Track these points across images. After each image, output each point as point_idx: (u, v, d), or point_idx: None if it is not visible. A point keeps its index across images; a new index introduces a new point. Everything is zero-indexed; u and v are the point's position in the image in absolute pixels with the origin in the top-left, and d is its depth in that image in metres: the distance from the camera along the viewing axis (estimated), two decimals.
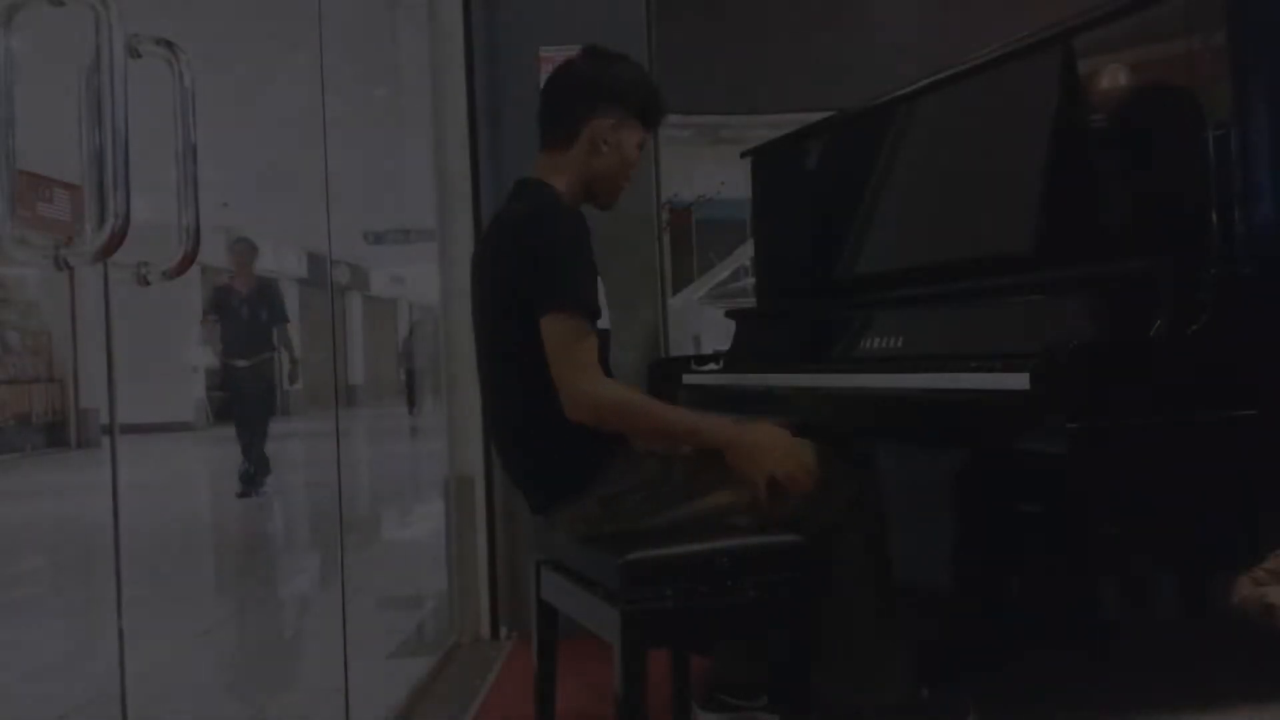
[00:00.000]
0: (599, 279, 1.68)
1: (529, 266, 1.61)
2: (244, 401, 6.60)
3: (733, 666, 1.96)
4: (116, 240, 1.01)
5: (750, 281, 3.39)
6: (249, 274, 6.69)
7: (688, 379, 2.37)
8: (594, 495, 1.64)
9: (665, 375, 2.37)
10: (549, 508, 1.71)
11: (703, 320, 4.63)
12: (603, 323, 1.69)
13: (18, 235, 1.00)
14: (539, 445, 1.69)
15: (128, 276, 1.16)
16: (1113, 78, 1.67)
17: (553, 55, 2.86)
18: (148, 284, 1.18)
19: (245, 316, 6.48)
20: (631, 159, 1.76)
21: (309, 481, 7.87)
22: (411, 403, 16.14)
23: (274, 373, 6.76)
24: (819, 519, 1.66)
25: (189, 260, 1.19)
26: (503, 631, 2.91)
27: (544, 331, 1.58)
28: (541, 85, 1.82)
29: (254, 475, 6.47)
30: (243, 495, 6.39)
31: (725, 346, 2.56)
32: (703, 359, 2.50)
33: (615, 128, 1.72)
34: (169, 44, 1.15)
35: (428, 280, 3.22)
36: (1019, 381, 1.40)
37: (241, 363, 6.47)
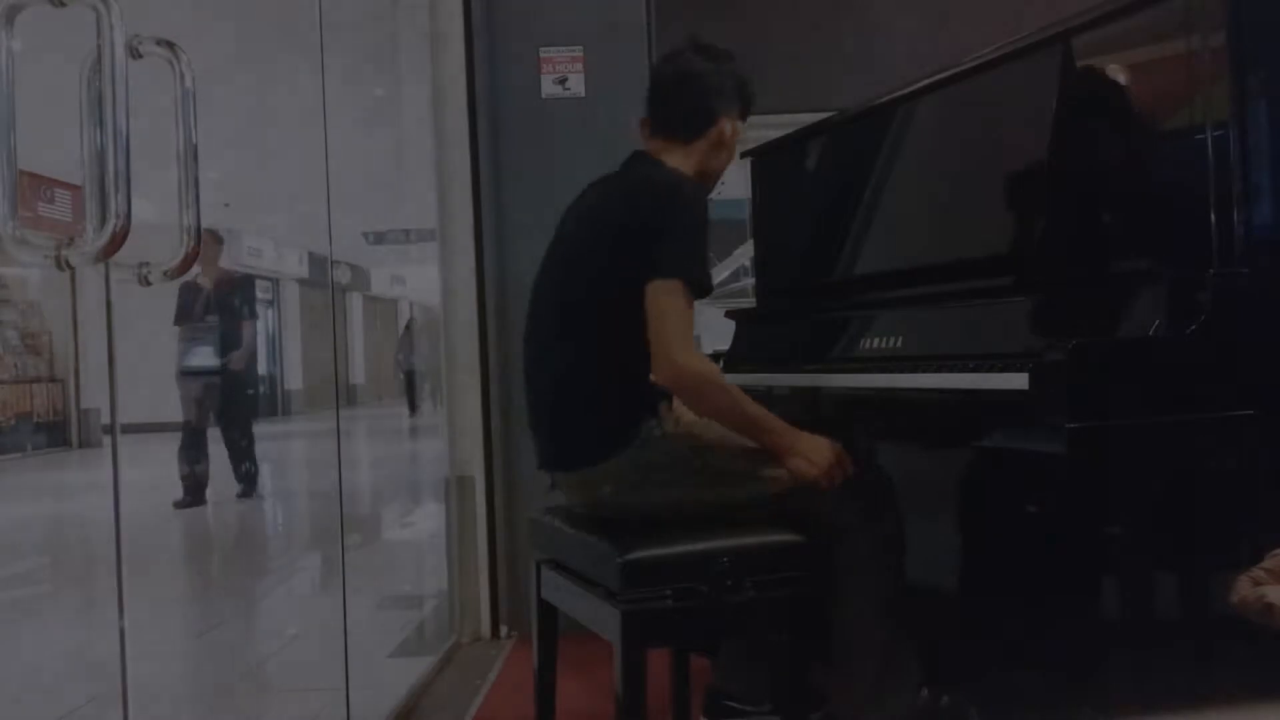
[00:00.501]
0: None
1: (660, 228, 1.63)
2: (223, 403, 6.32)
3: (734, 673, 1.96)
4: (118, 241, 1.01)
5: (750, 281, 3.39)
6: (214, 267, 6.33)
7: None
8: (627, 458, 1.64)
9: None
10: (572, 465, 1.70)
11: (703, 320, 4.64)
12: None
13: (19, 235, 1.00)
14: (585, 399, 1.68)
15: (129, 277, 1.17)
16: (1112, 78, 1.67)
17: (553, 56, 2.87)
18: (149, 284, 1.18)
19: (213, 313, 6.19)
20: (732, 152, 1.85)
21: (309, 481, 7.87)
22: (413, 405, 15.80)
23: (248, 371, 6.56)
24: (838, 521, 1.66)
25: (190, 261, 1.19)
26: (503, 631, 2.91)
27: (653, 292, 1.60)
28: (663, 74, 1.86)
29: (253, 474, 6.40)
30: (243, 496, 6.38)
31: (725, 346, 2.56)
32: None
33: (735, 126, 1.82)
34: (170, 44, 1.15)
35: (428, 280, 3.23)
36: (1018, 381, 1.40)
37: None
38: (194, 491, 6.16)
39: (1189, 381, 1.39)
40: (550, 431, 1.74)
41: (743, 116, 1.84)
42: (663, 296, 1.60)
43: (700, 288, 1.65)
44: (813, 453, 1.65)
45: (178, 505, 6.09)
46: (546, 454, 1.75)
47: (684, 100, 1.80)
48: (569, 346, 1.70)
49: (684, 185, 1.70)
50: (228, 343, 6.28)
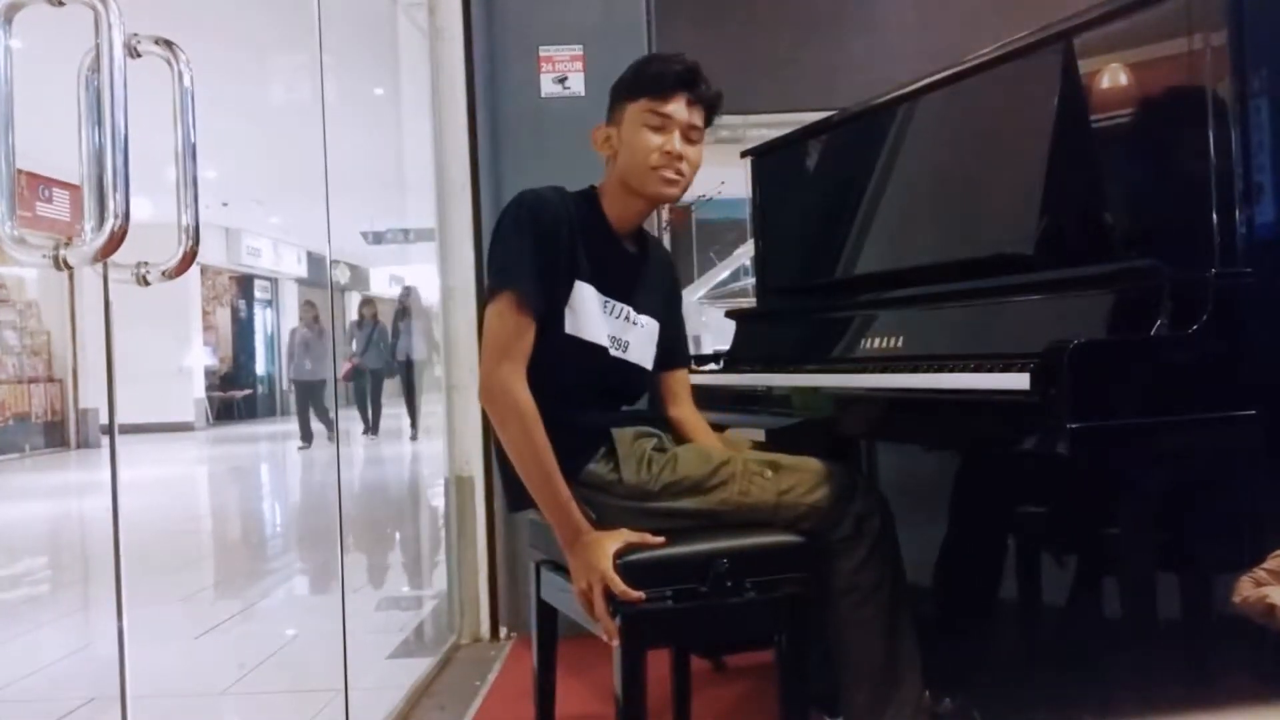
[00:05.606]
0: (576, 277, 1.66)
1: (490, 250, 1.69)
2: None
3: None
4: (116, 240, 1.00)
5: (750, 281, 3.39)
6: None
7: None
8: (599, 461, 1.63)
9: None
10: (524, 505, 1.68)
11: (703, 320, 4.63)
12: (597, 336, 1.67)
13: (17, 235, 1.00)
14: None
15: (127, 277, 1.16)
16: (1113, 78, 1.67)
17: (552, 55, 2.86)
18: (147, 284, 1.18)
19: None
20: (641, 142, 1.70)
21: (309, 480, 7.87)
22: (307, 430, 9.90)
23: None
24: (829, 534, 1.65)
25: (189, 260, 1.19)
26: (502, 632, 2.91)
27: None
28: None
29: None
30: None
31: (725, 346, 2.56)
32: (703, 359, 2.50)
33: (612, 126, 1.76)
34: (169, 43, 1.15)
35: (428, 279, 3.22)
36: (1019, 381, 1.39)
37: None
38: None
39: (1191, 381, 1.39)
40: (505, 475, 1.73)
41: (646, 95, 1.71)
42: (488, 312, 1.63)
43: (515, 292, 1.59)
44: (580, 562, 1.53)
45: None
46: (511, 496, 1.74)
47: None
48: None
49: (512, 201, 1.69)
50: None
